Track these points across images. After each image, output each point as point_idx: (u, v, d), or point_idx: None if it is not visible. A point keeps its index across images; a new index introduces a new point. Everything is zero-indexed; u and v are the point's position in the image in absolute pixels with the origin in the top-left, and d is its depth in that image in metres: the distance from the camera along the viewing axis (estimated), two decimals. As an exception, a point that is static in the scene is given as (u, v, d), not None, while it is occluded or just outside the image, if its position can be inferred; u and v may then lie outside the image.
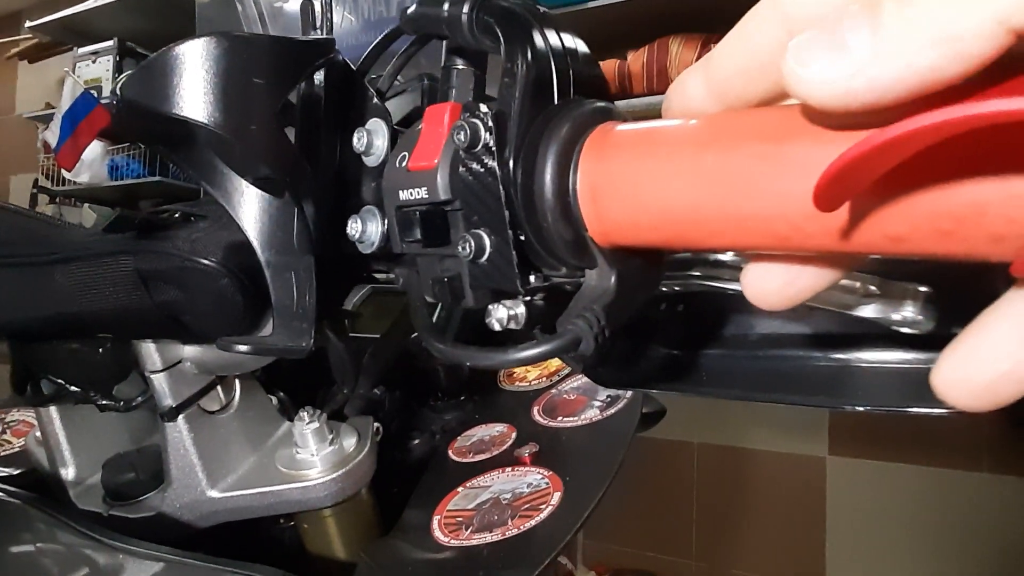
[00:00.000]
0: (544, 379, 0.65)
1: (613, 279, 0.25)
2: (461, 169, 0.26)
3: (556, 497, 0.46)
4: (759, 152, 0.19)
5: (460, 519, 0.48)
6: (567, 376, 0.64)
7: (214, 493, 0.47)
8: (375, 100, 0.32)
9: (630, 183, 0.22)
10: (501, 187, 0.24)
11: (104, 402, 0.48)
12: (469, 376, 0.65)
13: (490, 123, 0.24)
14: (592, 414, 0.56)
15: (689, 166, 0.21)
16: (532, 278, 0.26)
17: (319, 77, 0.33)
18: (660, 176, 0.21)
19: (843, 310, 0.27)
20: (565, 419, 0.57)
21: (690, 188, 0.21)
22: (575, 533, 0.41)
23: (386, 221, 0.31)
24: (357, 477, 0.49)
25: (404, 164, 0.28)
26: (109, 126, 1.57)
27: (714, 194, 0.20)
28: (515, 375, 0.68)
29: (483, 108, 0.25)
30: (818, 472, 1.90)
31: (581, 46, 0.27)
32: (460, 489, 0.51)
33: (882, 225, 0.17)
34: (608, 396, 0.58)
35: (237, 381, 0.50)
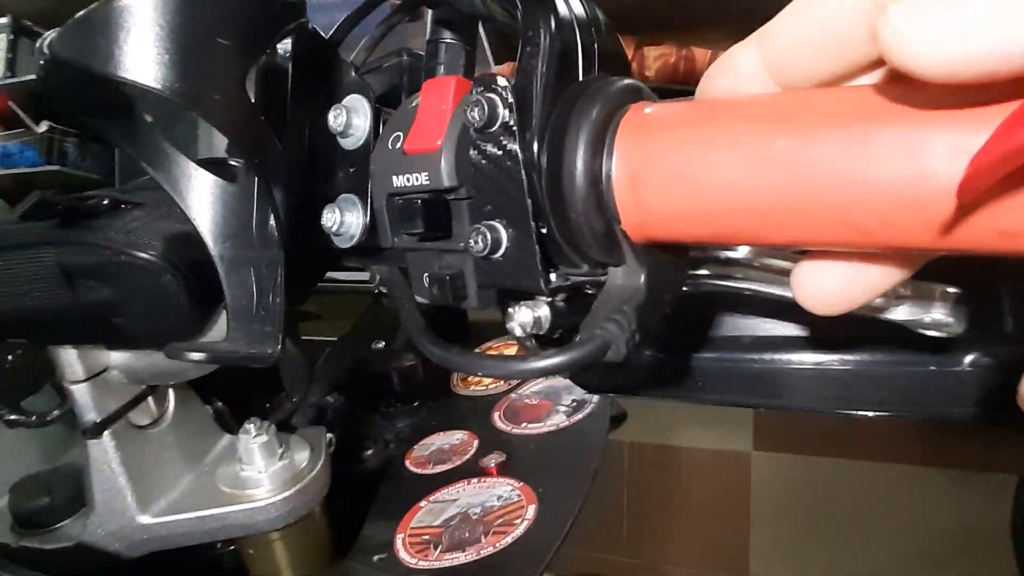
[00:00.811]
0: (502, 383, 0.62)
1: (643, 277, 0.22)
2: (472, 152, 0.22)
3: (531, 510, 0.43)
4: (847, 135, 0.17)
5: (427, 537, 0.44)
6: (525, 381, 0.62)
7: (145, 519, 0.42)
8: (353, 74, 0.28)
9: (679, 170, 0.20)
10: (523, 172, 0.21)
11: (13, 417, 0.41)
12: (423, 380, 0.61)
13: (510, 99, 0.21)
14: (559, 420, 0.54)
15: (756, 151, 0.18)
16: (553, 276, 0.23)
17: (285, 45, 0.29)
18: (718, 162, 0.19)
19: (874, 313, 0.26)
20: (530, 425, 0.54)
21: (757, 176, 0.18)
22: (558, 549, 0.39)
23: (368, 211, 0.27)
24: (311, 495, 0.45)
25: (399, 146, 0.24)
26: (3, 109, 1.42)
27: (788, 183, 0.18)
28: (470, 379, 0.65)
29: (501, 81, 0.21)
30: (743, 467, 1.96)
31: (602, 16, 0.24)
32: (423, 503, 0.48)
33: (994, 219, 0.15)
34: (574, 400, 0.56)
35: (171, 391, 0.45)
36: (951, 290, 0.26)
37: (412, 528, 0.45)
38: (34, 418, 0.42)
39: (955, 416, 0.29)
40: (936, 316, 0.26)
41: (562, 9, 0.22)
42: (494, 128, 0.21)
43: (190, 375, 0.40)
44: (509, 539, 0.41)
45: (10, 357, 0.39)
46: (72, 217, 0.32)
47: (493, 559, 0.40)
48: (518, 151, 0.21)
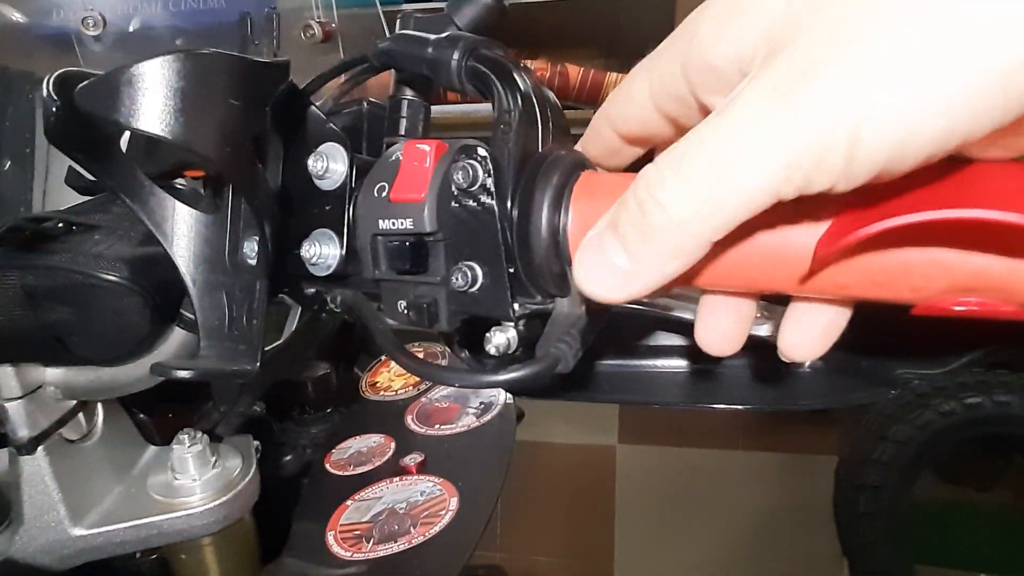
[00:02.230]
0: (411, 388, 0.67)
1: (583, 308, 0.28)
2: (453, 205, 0.27)
3: (454, 502, 0.49)
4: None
5: (358, 532, 0.48)
6: (433, 385, 0.67)
7: (78, 531, 0.43)
8: (330, 125, 0.32)
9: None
10: (499, 224, 0.27)
11: (-70, 436, 0.41)
12: (336, 388, 0.64)
13: (489, 165, 0.27)
14: (469, 421, 0.59)
15: None
16: (516, 306, 0.28)
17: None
18: None
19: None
20: (443, 427, 0.59)
21: None
22: (483, 533, 0.44)
23: (344, 246, 0.31)
24: (243, 501, 0.47)
25: (385, 195, 0.29)
26: None
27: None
28: (379, 385, 0.69)
29: (482, 151, 0.27)
30: (608, 459, 2.10)
31: (551, 94, 0.30)
32: (349, 502, 0.51)
33: (833, 277, 0.23)
34: (481, 403, 0.61)
35: (99, 405, 0.45)
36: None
37: (342, 525, 0.49)
38: (-45, 436, 0.41)
39: (802, 406, 0.38)
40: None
41: (527, 92, 0.28)
42: (475, 188, 0.27)
43: (132, 389, 0.41)
44: (438, 528, 0.46)
45: (-63, 376, 0.39)
46: (36, 241, 0.33)
47: (426, 546, 0.45)
48: (495, 206, 0.27)
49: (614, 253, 0.21)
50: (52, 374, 0.41)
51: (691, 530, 1.94)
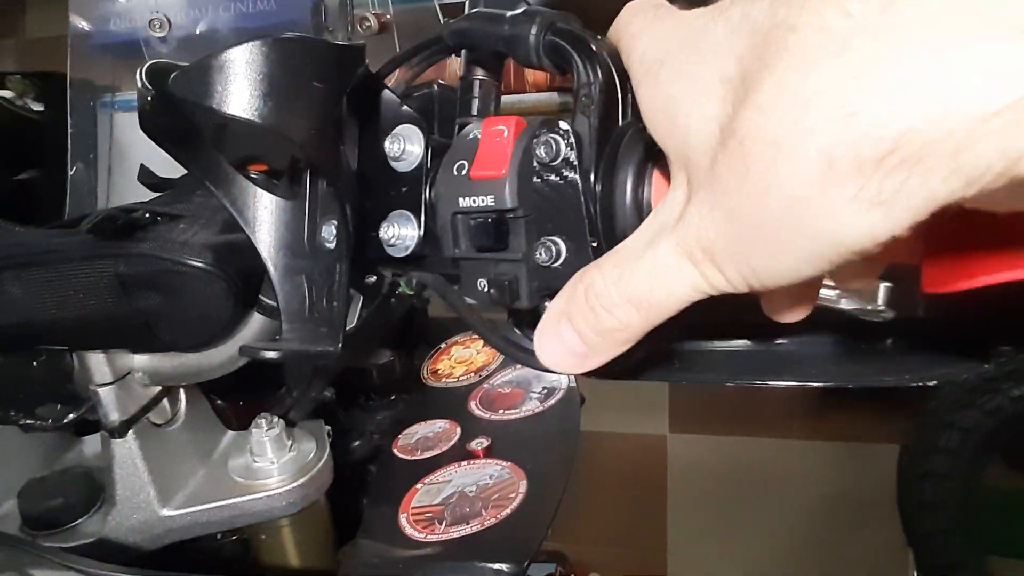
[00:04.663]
0: (472, 375, 0.68)
1: None
2: (535, 180, 0.27)
3: (523, 485, 0.49)
4: None
5: (430, 515, 0.49)
6: (496, 371, 0.67)
7: (167, 511, 0.44)
8: (405, 107, 0.32)
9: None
10: (582, 198, 0.27)
11: (28, 421, 0.43)
12: (400, 376, 0.65)
13: (571, 139, 0.26)
14: (533, 406, 0.59)
15: None
16: (599, 281, 0.28)
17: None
18: None
19: (829, 303, 0.33)
20: (507, 412, 0.59)
21: None
22: (555, 516, 0.44)
23: (422, 226, 0.32)
24: (319, 483, 0.48)
25: (465, 173, 0.29)
26: None
27: None
28: (440, 372, 0.70)
29: (563, 125, 0.27)
30: (660, 449, 2.08)
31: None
32: (419, 486, 0.52)
33: None
34: (544, 387, 0.62)
35: (182, 391, 0.47)
36: (886, 284, 0.33)
37: (413, 507, 0.50)
38: (50, 421, 0.43)
39: (886, 383, 0.37)
40: (875, 305, 0.33)
41: (607, 65, 0.27)
42: (557, 162, 0.27)
43: (214, 375, 0.43)
44: (509, 510, 0.46)
45: (35, 363, 0.41)
46: (128, 230, 0.35)
47: (498, 528, 0.45)
48: (578, 181, 0.26)
49: (572, 342, 0.25)
50: (139, 361, 0.42)
51: (746, 522, 1.91)
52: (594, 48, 0.27)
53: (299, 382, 0.51)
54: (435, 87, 0.36)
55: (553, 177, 0.27)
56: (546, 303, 0.28)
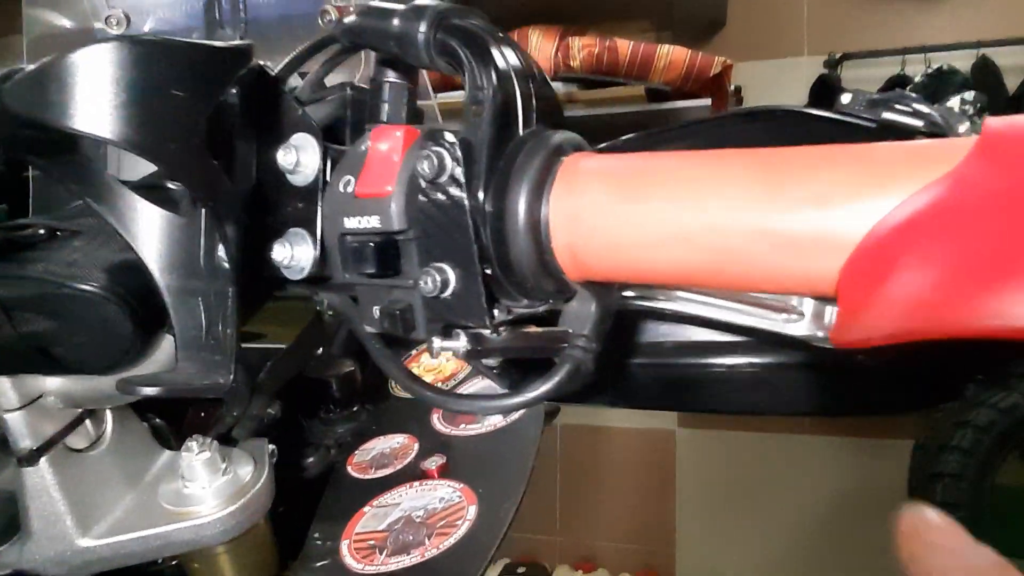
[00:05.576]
0: (440, 383, 0.64)
1: (594, 306, 0.25)
2: (421, 198, 0.24)
3: (472, 511, 0.46)
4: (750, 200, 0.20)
5: (372, 542, 0.46)
6: (463, 381, 0.64)
7: (86, 541, 0.42)
8: (301, 113, 0.29)
9: (605, 222, 0.22)
10: (470, 219, 0.23)
11: (-62, 448, 0.40)
12: (363, 385, 0.62)
13: (458, 152, 0.23)
14: (495, 420, 0.56)
15: (680, 215, 0.21)
16: (496, 312, 0.25)
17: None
18: (640, 219, 0.21)
19: (775, 329, 0.29)
20: (468, 427, 0.56)
21: (678, 237, 0.21)
22: (496, 549, 0.41)
23: (318, 246, 0.28)
24: (255, 508, 0.45)
25: (350, 189, 0.26)
26: None
27: (700, 249, 0.20)
28: (407, 381, 0.67)
29: (449, 136, 0.23)
30: (668, 444, 2.05)
31: (535, 65, 0.26)
32: (367, 508, 0.49)
33: None
34: (509, 400, 0.58)
35: (108, 412, 0.44)
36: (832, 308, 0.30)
37: (357, 534, 0.47)
38: (-39, 447, 0.41)
39: (867, 412, 0.33)
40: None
41: (502, 65, 0.24)
42: (443, 179, 0.23)
43: (132, 397, 0.40)
44: (452, 540, 0.43)
45: (-64, 388, 0.38)
46: (7, 249, 0.32)
47: (436, 561, 0.42)
48: (465, 199, 0.23)
49: None
50: (51, 383, 0.39)
51: (755, 518, 1.88)
52: (491, 48, 0.24)
53: (239, 400, 0.48)
54: (348, 89, 0.33)
55: (439, 195, 0.24)
56: (435, 339, 0.24)
